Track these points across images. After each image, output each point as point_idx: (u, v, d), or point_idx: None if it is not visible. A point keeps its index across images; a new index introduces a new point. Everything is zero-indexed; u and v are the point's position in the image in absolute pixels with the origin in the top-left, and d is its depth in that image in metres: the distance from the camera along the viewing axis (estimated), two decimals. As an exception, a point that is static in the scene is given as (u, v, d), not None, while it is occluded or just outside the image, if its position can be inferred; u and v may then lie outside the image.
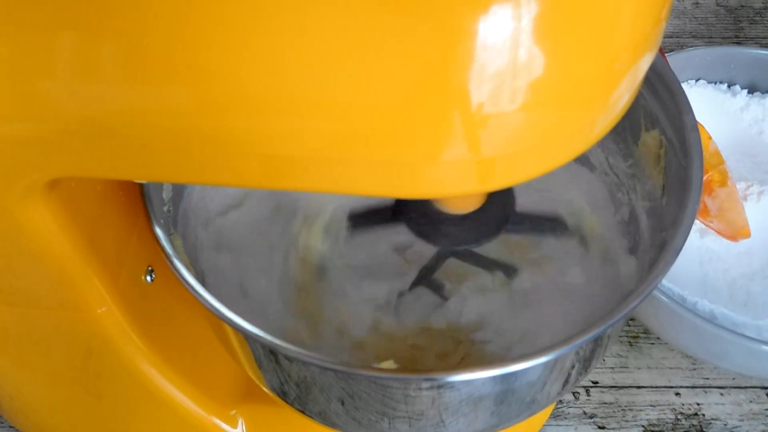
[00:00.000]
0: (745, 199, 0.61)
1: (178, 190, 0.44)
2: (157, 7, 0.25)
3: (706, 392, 0.58)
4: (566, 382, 0.40)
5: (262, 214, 0.51)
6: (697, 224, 0.59)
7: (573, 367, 0.39)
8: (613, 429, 0.56)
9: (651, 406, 0.57)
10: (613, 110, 0.29)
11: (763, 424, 0.56)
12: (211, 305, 0.36)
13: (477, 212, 0.41)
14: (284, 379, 0.39)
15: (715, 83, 0.67)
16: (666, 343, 0.59)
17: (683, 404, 0.57)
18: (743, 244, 0.59)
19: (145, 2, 0.25)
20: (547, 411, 0.56)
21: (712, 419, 0.57)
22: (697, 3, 0.82)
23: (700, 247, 0.59)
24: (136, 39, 0.26)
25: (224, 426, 0.49)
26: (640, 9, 0.27)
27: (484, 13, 0.24)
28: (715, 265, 0.58)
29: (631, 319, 0.61)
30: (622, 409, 0.57)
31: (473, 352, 0.47)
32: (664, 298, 0.52)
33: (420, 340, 0.48)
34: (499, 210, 0.42)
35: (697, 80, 0.66)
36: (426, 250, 0.47)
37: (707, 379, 0.59)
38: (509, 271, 0.49)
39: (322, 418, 0.41)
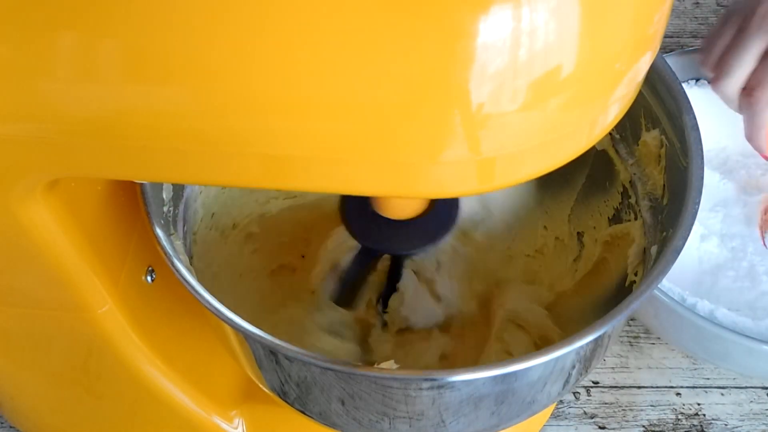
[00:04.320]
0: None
1: (178, 190, 0.44)
2: (157, 7, 0.25)
3: (706, 392, 0.58)
4: (567, 382, 0.40)
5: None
6: (697, 226, 0.59)
7: (573, 367, 0.39)
8: (614, 429, 0.56)
9: (651, 406, 0.57)
10: (614, 110, 0.29)
11: (764, 424, 0.56)
12: (211, 305, 0.36)
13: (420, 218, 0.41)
14: (284, 379, 0.39)
15: (716, 83, 0.67)
16: (666, 343, 0.59)
17: (684, 404, 0.57)
18: (743, 245, 0.59)
19: (145, 2, 0.25)
20: (548, 411, 0.56)
21: (713, 419, 0.57)
22: (697, 3, 0.82)
23: (700, 247, 0.59)
24: (137, 39, 0.26)
25: (224, 426, 0.49)
26: (640, 9, 0.27)
27: (485, 13, 0.24)
28: (716, 266, 0.58)
29: (632, 319, 0.61)
30: (623, 409, 0.57)
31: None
32: (664, 298, 0.52)
33: None
34: (442, 216, 0.42)
35: (697, 80, 0.66)
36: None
37: (708, 379, 0.58)
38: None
39: (323, 418, 0.41)
